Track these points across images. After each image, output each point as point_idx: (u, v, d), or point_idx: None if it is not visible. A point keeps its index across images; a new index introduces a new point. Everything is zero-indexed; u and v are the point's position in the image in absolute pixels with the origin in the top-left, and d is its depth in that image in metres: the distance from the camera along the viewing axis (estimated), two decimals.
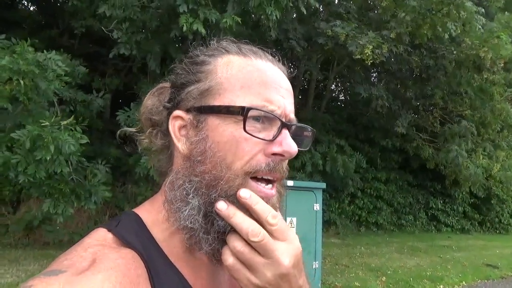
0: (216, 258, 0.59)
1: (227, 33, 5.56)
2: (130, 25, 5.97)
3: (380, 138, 12.47)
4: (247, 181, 0.57)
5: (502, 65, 8.49)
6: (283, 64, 0.68)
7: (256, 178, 0.58)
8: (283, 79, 0.63)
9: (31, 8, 9.79)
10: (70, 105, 5.55)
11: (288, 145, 0.58)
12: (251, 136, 0.57)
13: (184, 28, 5.01)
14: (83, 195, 4.60)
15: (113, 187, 7.10)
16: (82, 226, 7.31)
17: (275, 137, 0.58)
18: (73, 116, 4.34)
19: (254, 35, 8.12)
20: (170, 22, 6.01)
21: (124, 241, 0.56)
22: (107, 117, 8.20)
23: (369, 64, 7.19)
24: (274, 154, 0.58)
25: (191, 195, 0.57)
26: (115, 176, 6.85)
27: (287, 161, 0.62)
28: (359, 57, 6.97)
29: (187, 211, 0.57)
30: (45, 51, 4.20)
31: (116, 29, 5.90)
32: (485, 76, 9.02)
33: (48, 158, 3.67)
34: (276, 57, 0.68)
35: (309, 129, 0.67)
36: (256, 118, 0.58)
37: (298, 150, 0.63)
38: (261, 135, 0.58)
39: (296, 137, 0.63)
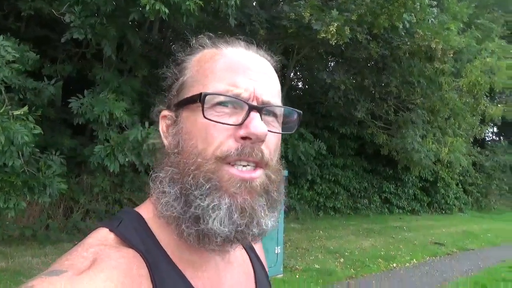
0: (202, 245, 0.59)
1: (189, 18, 5.43)
2: (83, 9, 5.66)
3: (339, 125, 12.86)
4: (220, 166, 0.57)
5: (452, 55, 9.01)
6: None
7: (230, 163, 0.57)
8: (255, 62, 0.63)
9: None
10: (19, 93, 5.19)
11: (255, 127, 0.56)
12: (216, 122, 0.57)
13: (147, 8, 4.84)
14: (36, 187, 4.36)
15: (68, 179, 6.78)
16: (34, 220, 6.94)
17: (243, 121, 0.57)
18: (26, 105, 4.06)
19: (215, 22, 8.01)
20: (127, 6, 5.77)
21: (126, 240, 0.57)
22: (58, 105, 7.77)
23: (334, 44, 7.26)
24: (242, 138, 0.57)
25: (167, 185, 0.59)
26: (69, 167, 6.54)
27: (267, 145, 0.60)
28: (324, 36, 7.05)
29: (164, 200, 0.58)
30: None
31: (68, 12, 5.57)
32: (436, 66, 9.51)
33: None
34: (249, 41, 0.68)
35: (294, 112, 0.66)
36: (224, 103, 0.58)
37: (283, 133, 0.64)
38: (230, 120, 0.57)
39: (285, 122, 0.65)
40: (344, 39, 7.33)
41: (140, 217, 0.62)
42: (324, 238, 9.02)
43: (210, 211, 0.55)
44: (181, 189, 0.57)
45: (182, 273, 0.59)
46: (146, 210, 0.64)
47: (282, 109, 0.64)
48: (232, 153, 0.56)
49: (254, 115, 0.57)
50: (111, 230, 0.58)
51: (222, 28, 7.90)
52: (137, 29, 8.72)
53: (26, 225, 6.76)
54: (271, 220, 0.60)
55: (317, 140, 11.52)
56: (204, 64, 0.62)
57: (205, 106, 0.57)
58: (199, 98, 0.57)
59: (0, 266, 5.32)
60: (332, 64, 13.80)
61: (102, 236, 0.57)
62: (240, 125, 0.57)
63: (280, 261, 5.80)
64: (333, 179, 13.15)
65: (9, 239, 6.45)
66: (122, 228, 0.58)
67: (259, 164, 0.59)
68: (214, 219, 0.55)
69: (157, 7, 5.01)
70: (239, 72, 0.60)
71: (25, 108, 4.12)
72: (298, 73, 15.45)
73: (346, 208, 13.32)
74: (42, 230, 6.85)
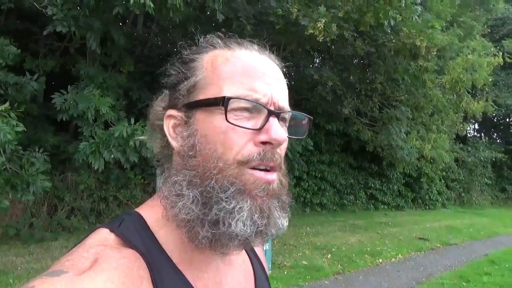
0: (214, 248, 0.59)
1: (175, 13, 5.34)
2: (66, 1, 5.51)
3: (325, 122, 12.94)
4: (243, 170, 0.57)
5: (435, 53, 9.15)
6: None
7: (252, 168, 0.58)
8: (270, 67, 0.64)
9: None
10: (0, 88, 5.03)
11: (276, 132, 0.58)
12: (237, 126, 0.57)
13: (132, 1, 4.74)
14: (19, 185, 4.24)
15: (52, 176, 6.63)
16: (17, 219, 6.78)
17: (262, 126, 0.58)
18: (8, 102, 3.94)
19: (202, 17, 7.91)
20: None
21: (127, 241, 0.56)
22: (40, 101, 7.59)
23: (321, 40, 7.27)
24: (262, 142, 0.58)
25: (185, 188, 0.58)
26: (53, 164, 6.40)
27: (280, 149, 0.62)
28: (312, 32, 7.05)
29: (181, 203, 0.58)
30: None
31: (50, 5, 5.41)
32: (420, 64, 9.65)
33: None
34: (263, 45, 0.68)
35: (305, 117, 0.68)
36: (243, 108, 0.58)
37: (295, 138, 0.65)
38: (248, 124, 0.58)
39: (292, 126, 0.64)
40: (331, 36, 7.34)
41: (141, 218, 0.61)
42: (311, 235, 9.07)
43: (236, 213, 0.56)
44: (202, 192, 0.57)
45: (183, 274, 0.59)
46: (147, 211, 0.63)
47: (290, 113, 0.65)
48: (254, 157, 0.57)
49: (273, 120, 0.59)
50: (111, 231, 0.57)
51: (208, 23, 7.83)
52: (121, 24, 8.56)
53: (9, 224, 6.60)
54: (285, 220, 0.62)
55: None
56: (219, 66, 0.61)
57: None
58: (222, 102, 0.57)
59: None
60: (318, 61, 13.85)
61: (103, 237, 0.56)
62: (259, 129, 0.58)
63: (269, 258, 5.80)
64: (319, 175, 13.24)
65: None
66: (123, 229, 0.58)
67: (275, 168, 0.60)
68: (237, 220, 0.56)
69: (142, 1, 4.91)
70: (256, 77, 0.60)
71: (7, 105, 3.99)
72: (284, 70, 15.45)
73: (333, 204, 13.44)
74: (26, 228, 6.69)
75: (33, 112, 6.75)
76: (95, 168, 5.71)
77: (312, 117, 0.70)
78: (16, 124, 3.84)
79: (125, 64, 7.81)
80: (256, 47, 0.66)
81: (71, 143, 6.80)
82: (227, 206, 0.55)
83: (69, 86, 6.14)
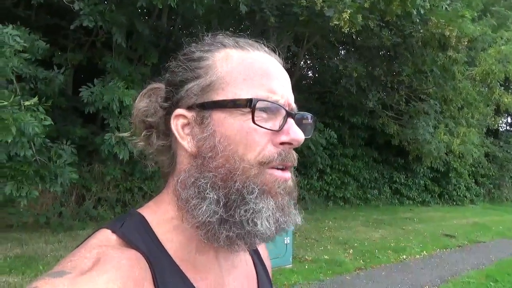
0: (233, 248, 0.60)
1: (198, 5, 5.36)
2: None
3: (349, 115, 12.74)
4: (263, 171, 0.58)
5: (466, 43, 8.80)
6: (279, 55, 0.70)
7: (270, 168, 0.59)
8: (281, 69, 0.65)
9: None
10: (30, 83, 5.21)
11: (295, 133, 0.60)
12: (259, 127, 0.58)
13: None
14: (48, 176, 4.40)
15: (79, 167, 6.84)
16: (47, 208, 7.05)
17: (281, 127, 0.59)
18: (36, 96, 4.08)
19: (225, 8, 7.90)
20: None
21: (129, 242, 0.56)
22: (69, 93, 7.81)
23: (346, 31, 7.13)
24: (282, 143, 0.59)
25: (208, 190, 0.58)
26: (80, 155, 6.61)
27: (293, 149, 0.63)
28: (337, 23, 6.91)
29: (205, 206, 0.57)
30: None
31: (77, 0, 5.54)
32: (449, 55, 9.31)
33: (9, 141, 3.46)
34: (271, 48, 0.69)
35: (310, 116, 0.69)
36: (262, 109, 0.59)
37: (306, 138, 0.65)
38: (267, 125, 0.59)
39: (298, 125, 0.64)
40: (357, 27, 7.18)
41: (143, 219, 0.61)
42: (334, 229, 9.00)
43: (263, 213, 0.57)
44: (226, 194, 0.57)
45: (185, 275, 0.59)
46: (150, 212, 0.63)
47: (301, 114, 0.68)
48: (275, 158, 0.59)
49: (291, 121, 0.61)
50: (113, 231, 0.58)
51: (232, 15, 7.80)
52: (146, 17, 8.67)
53: (40, 212, 6.87)
54: (300, 216, 0.64)
55: (327, 129, 11.42)
56: (236, 66, 0.61)
57: (248, 111, 0.58)
58: (250, 103, 0.57)
59: (15, 252, 5.42)
60: (343, 53, 13.62)
61: (105, 237, 0.57)
62: (278, 130, 0.59)
63: (290, 252, 5.80)
64: (343, 169, 13.07)
65: (24, 225, 6.59)
66: (125, 230, 0.58)
67: (290, 166, 0.62)
68: (263, 220, 0.57)
69: None
70: (273, 78, 0.61)
71: (35, 99, 4.13)
72: (308, 62, 15.30)
73: (356, 199, 13.26)
74: (55, 217, 6.96)
75: (62, 105, 6.96)
76: (120, 158, 5.85)
77: (316, 117, 0.71)
78: (44, 117, 3.97)
79: (149, 57, 7.93)
80: (266, 49, 0.67)
81: (98, 135, 6.98)
82: (254, 207, 0.56)
83: (95, 79, 6.30)
